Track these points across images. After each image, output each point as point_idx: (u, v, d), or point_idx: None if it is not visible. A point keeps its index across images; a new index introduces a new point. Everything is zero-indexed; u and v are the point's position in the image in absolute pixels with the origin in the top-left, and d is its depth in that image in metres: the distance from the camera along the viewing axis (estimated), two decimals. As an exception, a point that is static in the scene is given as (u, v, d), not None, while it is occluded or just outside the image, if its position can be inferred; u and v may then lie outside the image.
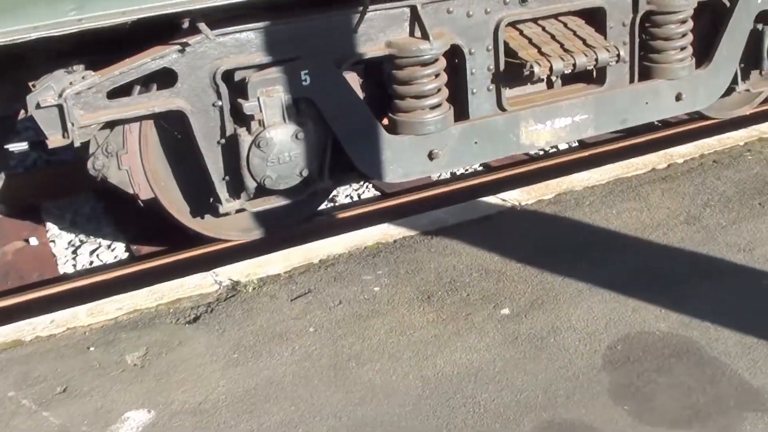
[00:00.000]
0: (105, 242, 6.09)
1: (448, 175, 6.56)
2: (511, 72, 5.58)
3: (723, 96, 6.41)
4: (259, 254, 4.96)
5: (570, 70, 5.56)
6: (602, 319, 3.99)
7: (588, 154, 6.53)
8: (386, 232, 4.86)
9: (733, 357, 3.69)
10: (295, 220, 5.60)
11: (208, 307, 4.38)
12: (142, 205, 5.32)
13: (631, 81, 6.01)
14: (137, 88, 4.96)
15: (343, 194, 6.46)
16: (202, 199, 5.32)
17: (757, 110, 6.95)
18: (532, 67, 5.40)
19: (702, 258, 4.42)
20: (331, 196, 6.44)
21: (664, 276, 4.30)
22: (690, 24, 6.03)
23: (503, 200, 5.09)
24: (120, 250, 6.00)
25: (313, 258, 4.70)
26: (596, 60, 5.58)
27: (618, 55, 5.64)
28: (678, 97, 6.09)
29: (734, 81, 6.36)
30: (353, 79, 5.48)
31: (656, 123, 6.90)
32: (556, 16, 5.79)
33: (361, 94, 5.50)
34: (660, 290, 4.17)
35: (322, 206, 6.30)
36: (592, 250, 4.55)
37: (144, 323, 4.31)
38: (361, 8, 5.10)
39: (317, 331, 4.10)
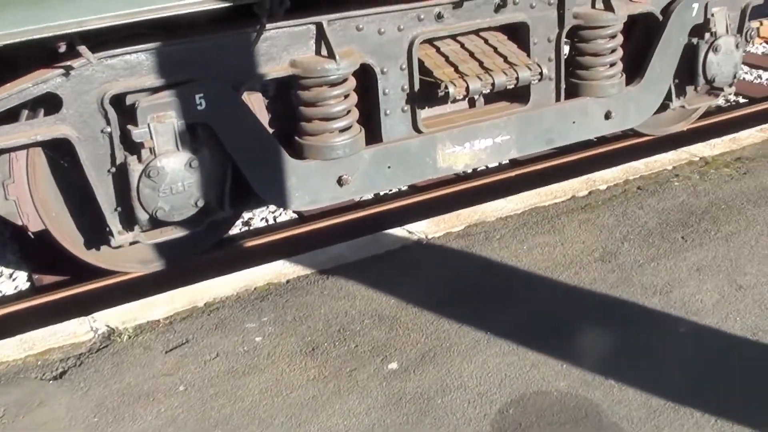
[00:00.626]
0: (7, 271, 5.58)
1: (370, 196, 6.05)
2: (427, 92, 5.09)
3: (657, 112, 5.94)
4: (165, 286, 4.49)
5: (488, 90, 5.08)
6: (497, 376, 3.51)
7: (515, 175, 6.03)
8: (280, 270, 4.35)
9: (635, 423, 3.22)
10: (197, 250, 5.10)
11: (78, 360, 3.88)
12: (32, 237, 4.82)
13: (558, 99, 5.54)
14: (25, 113, 4.46)
15: (259, 217, 5.95)
16: (97, 230, 4.81)
17: (693, 126, 6.47)
18: (447, 87, 4.92)
19: (614, 302, 3.93)
20: (246, 219, 5.95)
21: (570, 324, 3.81)
22: (619, 39, 5.56)
23: (410, 232, 4.60)
24: (22, 280, 5.49)
25: (198, 301, 4.21)
26: (517, 79, 5.10)
27: (541, 73, 5.16)
28: (607, 116, 5.62)
29: (668, 97, 5.88)
30: (258, 100, 5.01)
31: (595, 139, 6.39)
32: (476, 32, 5.29)
33: (267, 117, 5.03)
34: (564, 341, 3.69)
35: (235, 231, 5.83)
36: (496, 292, 4.06)
37: (8, 379, 3.81)
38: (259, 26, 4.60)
39: (187, 390, 3.61)
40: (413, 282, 4.17)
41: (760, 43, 8.84)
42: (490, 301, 3.99)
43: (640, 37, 5.85)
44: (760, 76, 8.10)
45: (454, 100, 5.07)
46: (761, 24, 8.81)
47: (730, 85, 5.97)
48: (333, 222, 5.67)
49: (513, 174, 6.00)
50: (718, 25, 5.74)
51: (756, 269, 4.10)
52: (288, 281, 4.27)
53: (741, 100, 7.58)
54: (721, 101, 7.33)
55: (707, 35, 5.74)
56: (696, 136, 6.10)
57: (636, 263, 4.20)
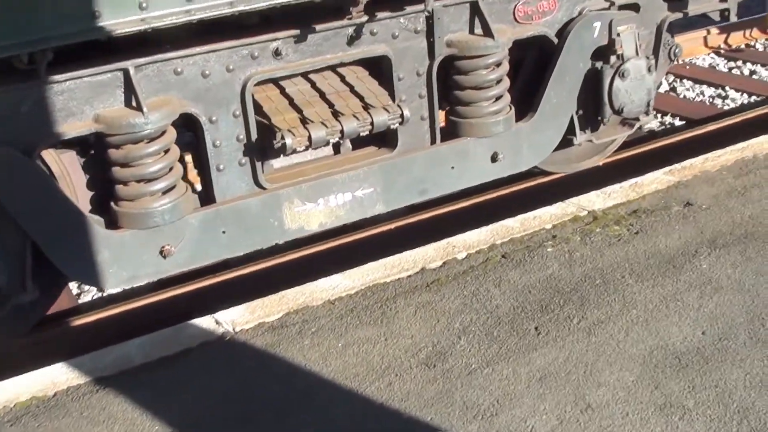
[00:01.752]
0: None
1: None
2: (269, 141, 4.09)
3: (561, 148, 4.86)
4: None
5: (337, 140, 4.08)
6: None
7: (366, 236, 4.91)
8: (53, 379, 3.40)
9: None
10: (12, 333, 4.17)
11: None
12: None
13: (433, 141, 4.49)
14: None
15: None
16: None
17: (611, 159, 5.35)
18: (283, 137, 3.93)
19: (420, 429, 2.91)
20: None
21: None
22: (504, 68, 4.48)
23: (217, 323, 3.61)
24: None
25: (-54, 420, 3.28)
26: (371, 124, 4.08)
27: (401, 116, 4.13)
28: (494, 158, 4.56)
29: (571, 132, 4.80)
30: (73, 162, 4.06)
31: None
32: (333, 68, 4.27)
33: (83, 180, 4.08)
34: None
35: (89, 297, 4.92)
36: (283, 414, 3.07)
37: None
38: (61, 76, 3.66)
39: None
40: (193, 397, 3.19)
41: (708, 54, 7.62)
42: (267, 427, 2.99)
43: (534, 65, 4.77)
44: (702, 93, 6.88)
45: (293, 152, 4.07)
46: (708, 33, 7.59)
47: (646, 114, 4.85)
48: (215, 281, 4.74)
49: (370, 233, 4.89)
50: (626, 47, 4.63)
51: (615, 377, 3.04)
52: (56, 394, 3.31)
53: (678, 122, 6.40)
54: (654, 125, 6.21)
55: (613, 58, 4.64)
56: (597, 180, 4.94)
57: (466, 369, 3.16)
